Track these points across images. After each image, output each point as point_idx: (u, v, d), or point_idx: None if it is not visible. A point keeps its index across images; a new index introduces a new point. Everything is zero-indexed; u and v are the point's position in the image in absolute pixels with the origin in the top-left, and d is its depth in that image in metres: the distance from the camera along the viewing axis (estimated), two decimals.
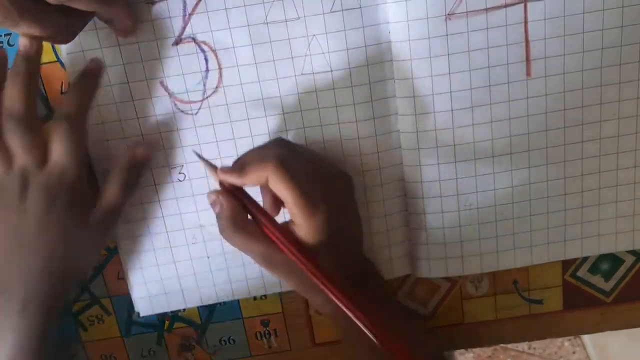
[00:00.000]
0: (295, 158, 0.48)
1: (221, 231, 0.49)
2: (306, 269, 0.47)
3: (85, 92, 0.50)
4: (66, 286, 0.53)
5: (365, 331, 0.47)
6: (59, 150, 0.49)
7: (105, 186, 0.52)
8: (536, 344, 1.76)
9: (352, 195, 0.53)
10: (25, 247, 0.49)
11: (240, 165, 0.47)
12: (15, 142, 0.48)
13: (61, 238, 0.50)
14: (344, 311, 0.48)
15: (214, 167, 0.49)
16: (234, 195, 0.48)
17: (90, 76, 0.50)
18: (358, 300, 0.47)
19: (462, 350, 1.76)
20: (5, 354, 0.50)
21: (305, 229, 0.47)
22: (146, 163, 0.53)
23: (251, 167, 0.47)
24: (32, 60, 0.48)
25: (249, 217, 0.49)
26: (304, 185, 0.46)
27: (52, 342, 0.53)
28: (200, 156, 0.50)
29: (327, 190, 0.48)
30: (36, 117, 0.49)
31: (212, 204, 0.49)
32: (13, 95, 0.48)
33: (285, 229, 0.48)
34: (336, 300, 0.47)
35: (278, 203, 0.50)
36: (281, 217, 0.50)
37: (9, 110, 0.48)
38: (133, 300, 0.58)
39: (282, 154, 0.47)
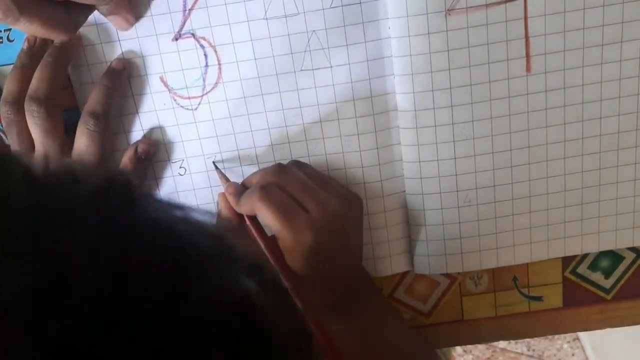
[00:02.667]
0: (287, 184, 0.50)
1: None
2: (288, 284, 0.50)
3: (110, 90, 0.51)
4: None
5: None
6: (84, 143, 0.50)
7: None
8: (535, 346, 1.75)
9: (357, 215, 0.53)
10: None
11: (239, 194, 0.51)
12: (36, 127, 0.50)
13: None
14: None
15: (226, 181, 0.53)
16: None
17: (114, 74, 0.51)
18: (337, 326, 0.50)
19: (461, 352, 1.76)
20: None
21: (290, 254, 0.49)
22: (150, 160, 0.54)
23: (243, 199, 0.50)
24: (64, 51, 0.50)
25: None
26: (288, 214, 0.48)
27: None
28: (217, 167, 0.54)
29: (321, 215, 0.49)
30: (59, 107, 0.51)
31: (216, 204, 0.53)
32: (39, 81, 0.49)
33: (275, 244, 0.50)
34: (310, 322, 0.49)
35: None
36: None
37: (33, 94, 0.49)
38: None
39: (267, 185, 0.49)
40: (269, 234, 0.51)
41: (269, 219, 0.48)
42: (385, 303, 0.59)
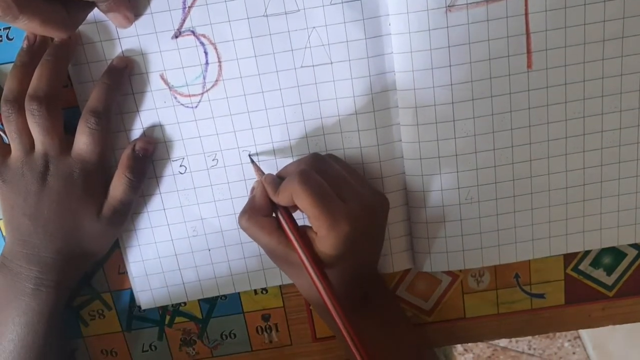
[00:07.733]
0: (325, 173, 0.49)
1: (240, 215, 0.51)
2: (313, 278, 0.49)
3: (111, 88, 0.51)
4: (75, 271, 0.55)
5: (354, 352, 0.49)
6: (84, 142, 0.50)
7: (113, 184, 0.53)
8: (536, 344, 1.75)
9: (384, 215, 0.53)
10: (42, 230, 0.51)
11: (276, 185, 0.50)
12: (36, 126, 0.50)
13: (76, 224, 0.52)
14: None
15: (261, 173, 0.52)
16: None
17: (115, 72, 0.51)
18: (355, 321, 0.49)
19: (462, 351, 1.76)
20: (17, 332, 0.52)
21: (324, 241, 0.48)
22: (149, 158, 0.54)
23: (282, 187, 0.49)
24: (64, 50, 0.50)
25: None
26: (328, 200, 0.47)
27: (59, 324, 0.55)
28: (252, 160, 0.53)
29: (357, 207, 0.49)
30: (59, 105, 0.51)
31: (251, 190, 0.53)
32: (40, 80, 0.49)
33: (304, 234, 0.49)
34: (334, 314, 0.49)
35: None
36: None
37: (34, 93, 0.49)
38: (134, 293, 0.58)
39: (307, 170, 0.48)
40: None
41: (307, 204, 0.47)
42: (398, 309, 0.59)
